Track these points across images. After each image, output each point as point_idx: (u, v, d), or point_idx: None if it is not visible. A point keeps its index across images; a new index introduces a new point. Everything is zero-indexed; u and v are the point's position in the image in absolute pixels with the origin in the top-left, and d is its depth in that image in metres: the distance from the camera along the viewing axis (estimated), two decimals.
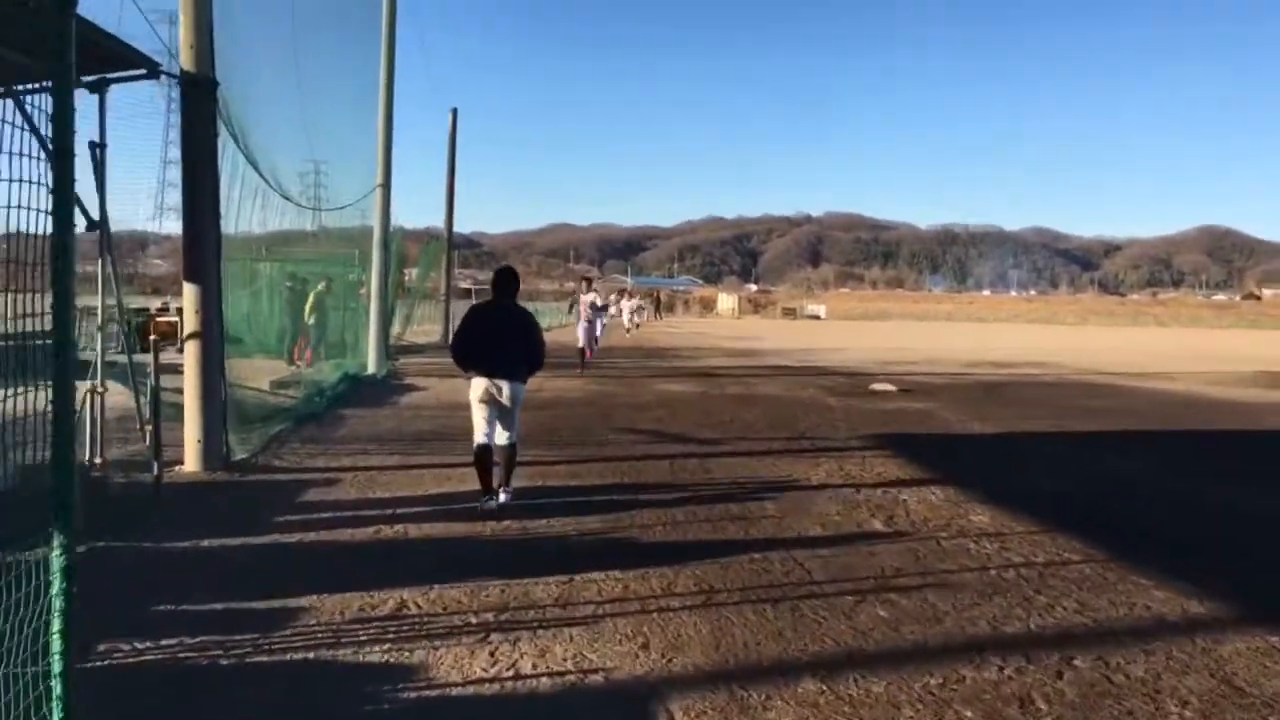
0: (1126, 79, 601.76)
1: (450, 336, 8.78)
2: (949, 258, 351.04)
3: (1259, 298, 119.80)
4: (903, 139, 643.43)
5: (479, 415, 7.40)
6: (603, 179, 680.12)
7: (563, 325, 50.67)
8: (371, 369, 17.02)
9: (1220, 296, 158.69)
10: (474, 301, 9.21)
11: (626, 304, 44.20)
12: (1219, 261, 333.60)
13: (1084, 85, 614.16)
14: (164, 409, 7.96)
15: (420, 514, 7.17)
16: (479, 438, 7.40)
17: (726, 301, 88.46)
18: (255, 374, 14.50)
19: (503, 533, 6.76)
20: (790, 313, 76.08)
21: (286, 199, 11.64)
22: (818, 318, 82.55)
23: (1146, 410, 15.15)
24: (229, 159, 9.46)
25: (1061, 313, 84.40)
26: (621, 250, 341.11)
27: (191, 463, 8.51)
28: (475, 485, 7.50)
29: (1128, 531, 7.06)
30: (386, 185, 17.57)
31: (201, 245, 8.52)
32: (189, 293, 8.50)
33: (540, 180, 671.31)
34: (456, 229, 28.48)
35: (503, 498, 7.34)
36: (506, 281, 7.67)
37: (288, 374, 16.12)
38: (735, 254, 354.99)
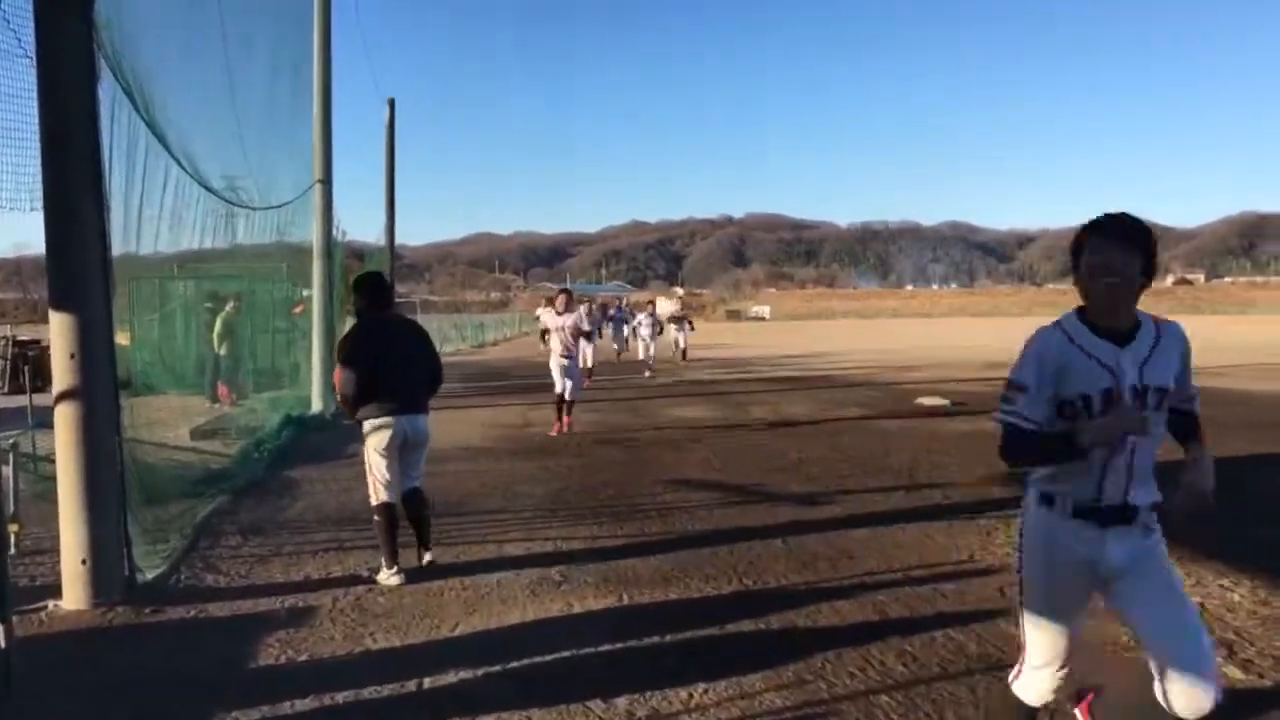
0: (1035, 73, 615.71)
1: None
2: (870, 254, 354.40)
3: (1190, 282, 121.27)
4: (821, 139, 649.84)
5: (384, 468, 5.87)
6: (524, 186, 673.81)
7: (508, 339, 47.46)
8: (317, 406, 13.75)
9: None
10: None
11: (668, 308, 29.59)
12: None
13: (995, 80, 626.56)
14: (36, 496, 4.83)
15: (468, 686, 4.14)
16: (384, 496, 5.89)
17: (666, 305, 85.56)
18: (170, 419, 11.26)
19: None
20: (735, 315, 73.47)
21: (209, 190, 8.37)
22: (763, 319, 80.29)
23: (1260, 418, 12.68)
24: (125, 129, 6.36)
25: (1004, 304, 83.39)
26: (546, 258, 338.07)
27: (73, 597, 5.35)
28: (552, 604, 4.76)
29: None
30: (327, 181, 14.31)
31: (73, 252, 5.35)
32: (57, 326, 5.32)
33: (461, 190, 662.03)
34: (374, 242, 24.99)
35: (427, 557, 6.03)
36: (382, 287, 6.24)
37: (212, 417, 12.84)
38: (660, 258, 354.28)
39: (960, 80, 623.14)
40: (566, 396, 12.41)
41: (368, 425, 5.88)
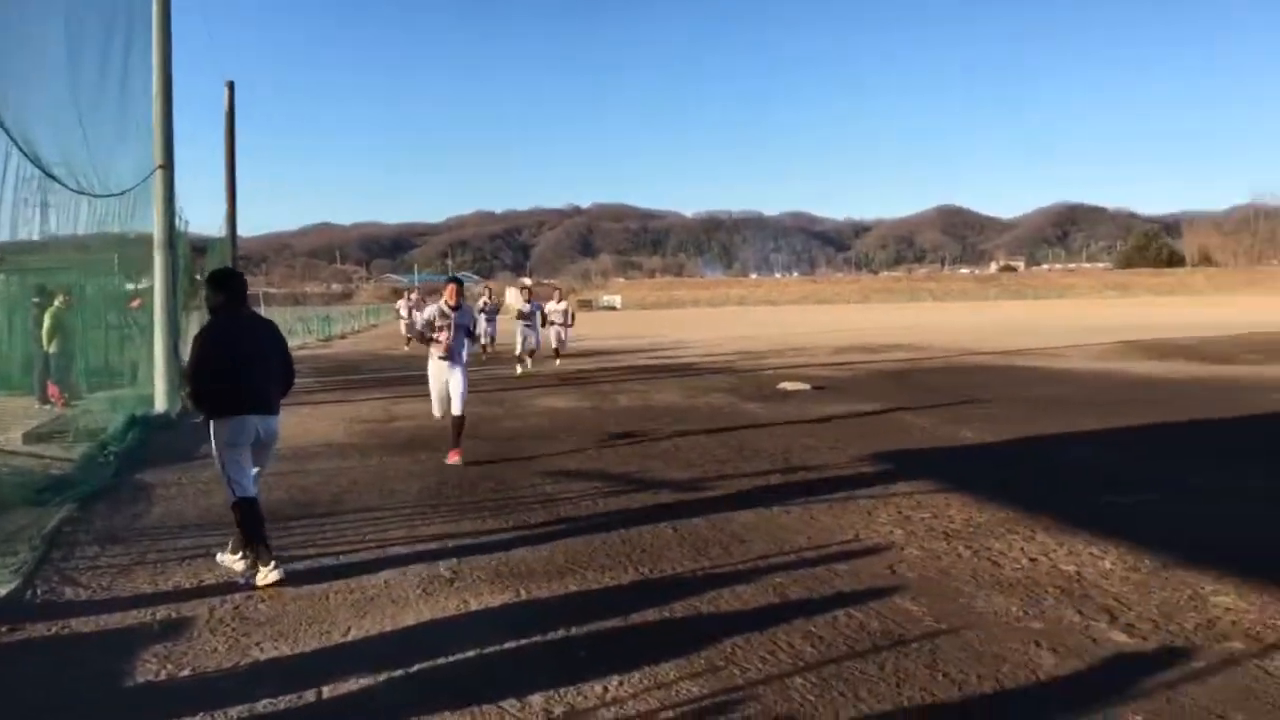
0: (869, 69, 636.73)
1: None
2: (715, 244, 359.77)
3: (1014, 269, 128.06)
4: (667, 130, 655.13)
5: (239, 464, 5.72)
6: (364, 176, 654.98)
7: (357, 332, 46.14)
8: (161, 405, 12.98)
9: (964, 270, 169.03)
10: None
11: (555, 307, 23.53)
12: (954, 238, 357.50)
13: (832, 75, 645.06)
14: None
15: (372, 693, 3.95)
16: (246, 492, 5.73)
17: (515, 297, 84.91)
18: None
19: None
20: (586, 304, 73.44)
21: (41, 169, 7.74)
22: (615, 308, 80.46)
23: (1121, 396, 13.49)
24: None
25: (845, 292, 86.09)
26: (389, 249, 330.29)
27: None
28: (446, 602, 4.77)
29: None
30: (169, 167, 13.50)
31: None
32: None
33: (297, 179, 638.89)
34: (208, 233, 23.74)
35: (240, 565, 5.75)
36: (239, 284, 6.02)
37: (46, 419, 12.00)
38: (507, 248, 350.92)
39: (798, 76, 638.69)
40: (455, 411, 9.38)
41: (218, 424, 5.70)
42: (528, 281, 31.40)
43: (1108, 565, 5.53)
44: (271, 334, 6.08)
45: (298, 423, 12.20)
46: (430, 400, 9.77)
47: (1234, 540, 5.97)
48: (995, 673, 4.09)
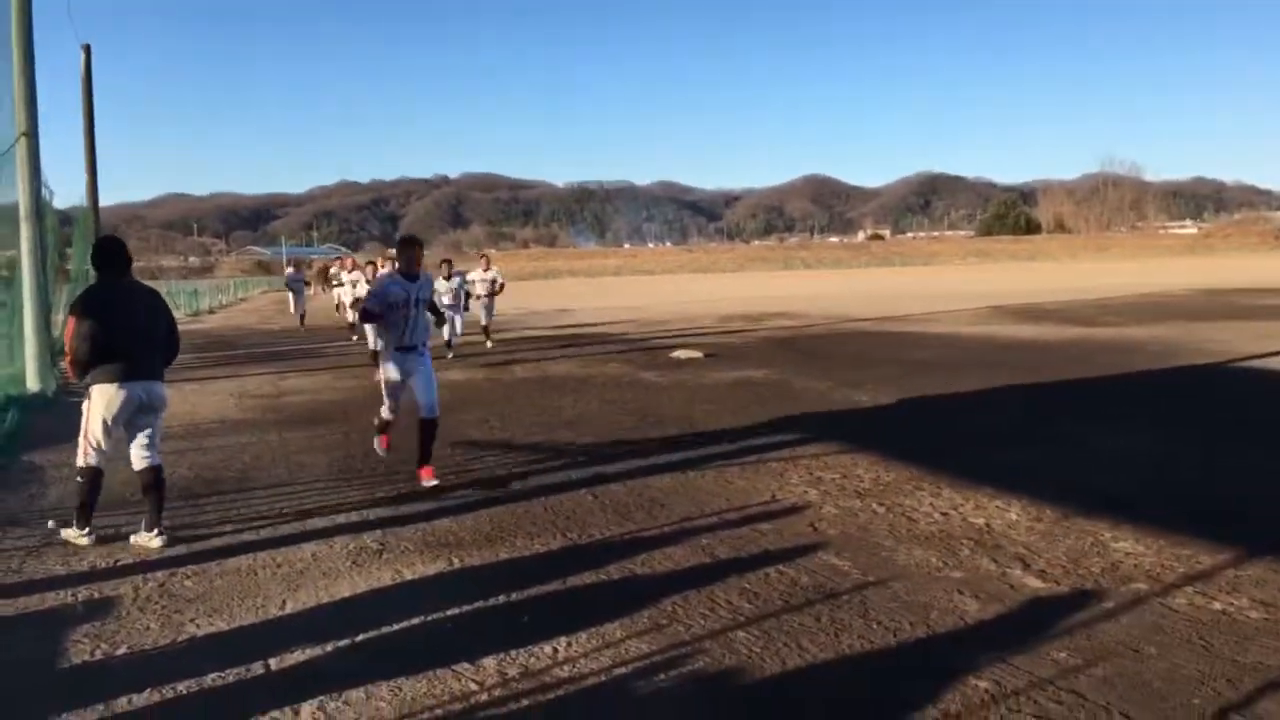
0: (736, 40, 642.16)
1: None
2: (587, 213, 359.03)
3: (882, 237, 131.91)
4: (535, 99, 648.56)
5: (100, 433, 5.66)
6: (220, 145, 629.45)
7: (225, 306, 44.58)
8: (34, 384, 12.38)
9: (834, 239, 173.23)
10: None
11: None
12: (822, 207, 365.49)
13: (698, 47, 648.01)
14: None
15: (321, 663, 3.94)
16: (94, 461, 5.73)
17: (386, 268, 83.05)
18: None
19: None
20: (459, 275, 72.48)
21: None
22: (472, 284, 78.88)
23: (1000, 358, 14.09)
24: None
25: (721, 261, 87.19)
26: (250, 220, 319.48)
27: None
28: (380, 573, 4.86)
29: None
30: (33, 134, 12.79)
31: None
32: None
33: (148, 147, 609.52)
34: (55, 204, 22.49)
35: (157, 542, 5.67)
36: (120, 253, 5.91)
37: None
38: (374, 219, 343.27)
39: (667, 47, 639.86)
40: (424, 414, 7.32)
41: (96, 390, 5.66)
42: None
43: (1013, 517, 5.86)
44: (155, 302, 6.05)
45: (184, 399, 11.83)
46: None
47: (1123, 490, 6.39)
48: (925, 619, 4.32)
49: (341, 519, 6.28)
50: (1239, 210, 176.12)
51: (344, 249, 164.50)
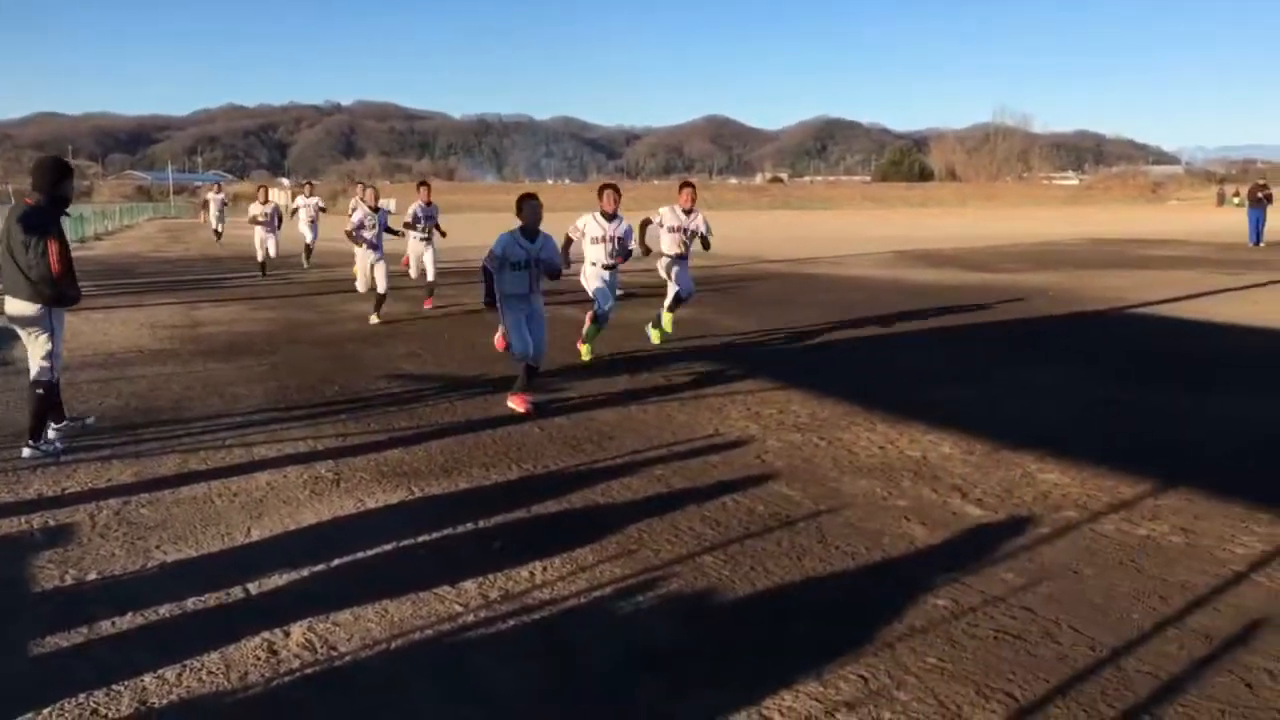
0: None
1: None
2: (485, 147, 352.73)
3: (782, 180, 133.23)
4: (432, 27, 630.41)
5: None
6: (96, 62, 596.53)
7: (112, 233, 42.73)
8: None
9: (733, 180, 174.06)
10: None
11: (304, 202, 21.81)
12: (722, 148, 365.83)
13: None
14: None
15: (301, 586, 4.01)
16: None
17: (280, 198, 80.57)
18: None
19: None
20: (323, 210, 70.61)
21: None
22: (391, 211, 77.16)
23: (911, 301, 14.48)
24: None
25: (624, 200, 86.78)
26: (127, 143, 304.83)
27: None
28: (341, 501, 4.76)
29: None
30: None
31: None
32: None
33: (13, 60, 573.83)
34: None
35: (25, 452, 5.95)
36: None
37: None
38: (261, 145, 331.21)
39: None
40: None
41: (61, 314, 6.16)
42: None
43: (947, 450, 6.19)
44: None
45: (94, 329, 11.50)
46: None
47: (1044, 426, 6.78)
48: (879, 544, 4.59)
49: (289, 449, 6.28)
50: (1117, 164, 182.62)
51: (229, 175, 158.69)
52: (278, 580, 4.18)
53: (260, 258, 19.14)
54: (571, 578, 4.20)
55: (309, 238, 21.43)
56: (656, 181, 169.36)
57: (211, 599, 3.99)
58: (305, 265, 20.99)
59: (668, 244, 9.86)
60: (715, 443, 6.42)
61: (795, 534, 4.74)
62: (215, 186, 32.33)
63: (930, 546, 4.56)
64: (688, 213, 10.02)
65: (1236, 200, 60.80)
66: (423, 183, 14.39)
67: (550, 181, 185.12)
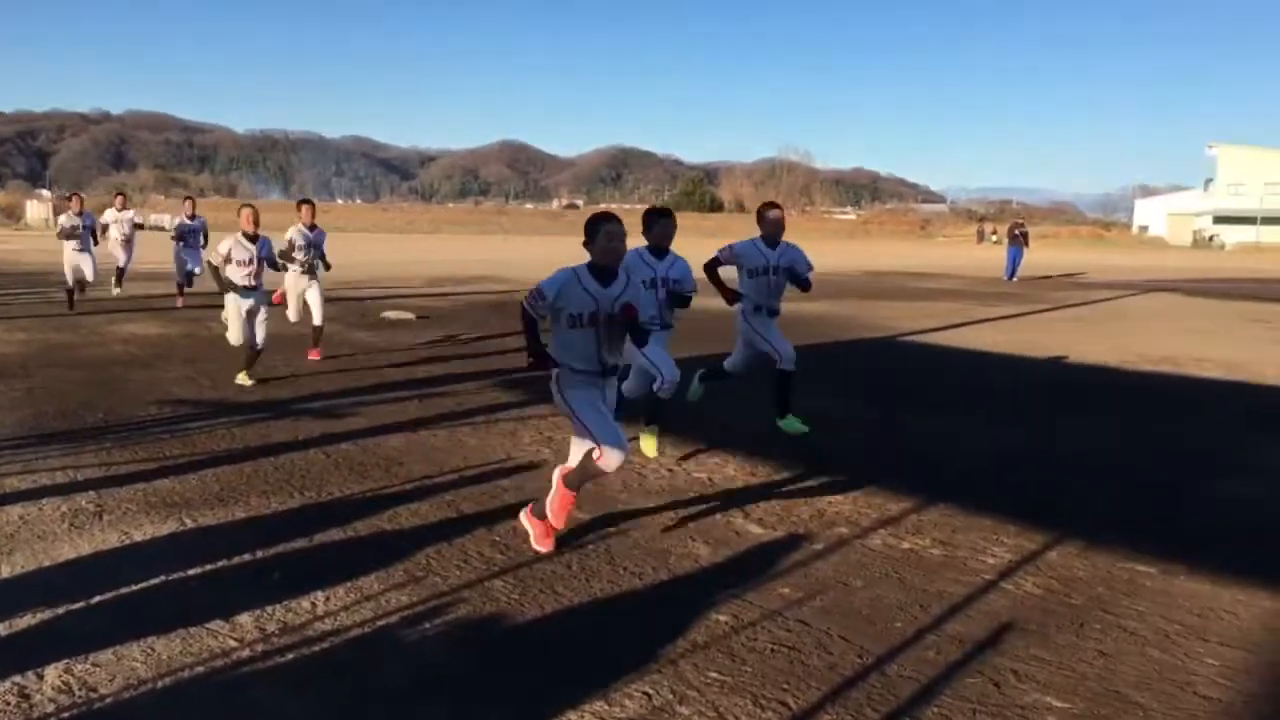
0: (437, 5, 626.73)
1: None
2: (270, 164, 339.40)
3: (577, 207, 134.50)
4: (213, 36, 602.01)
5: None
6: None
7: None
8: None
9: (530, 205, 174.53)
10: None
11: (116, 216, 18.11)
12: (518, 173, 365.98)
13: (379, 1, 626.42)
14: None
15: (59, 625, 3.76)
16: None
17: (40, 210, 74.72)
18: None
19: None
20: (139, 226, 66.42)
21: None
22: (164, 229, 73.12)
23: (691, 328, 14.74)
24: None
25: (417, 222, 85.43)
26: None
27: None
28: (104, 535, 4.37)
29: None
30: None
31: None
32: None
33: None
34: None
35: None
36: None
37: None
38: (19, 153, 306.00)
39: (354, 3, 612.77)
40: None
41: None
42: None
43: (731, 472, 6.42)
44: None
45: None
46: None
47: (822, 448, 7.09)
48: (666, 564, 4.71)
49: (45, 480, 5.86)
50: (891, 200, 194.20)
51: None
52: (30, 620, 3.88)
53: (70, 283, 15.30)
54: (356, 607, 4.10)
55: (121, 260, 17.90)
56: (452, 204, 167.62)
57: None
58: (115, 291, 17.36)
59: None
60: (506, 467, 6.42)
61: (584, 556, 4.79)
62: (119, 199, 20.77)
63: (714, 564, 4.72)
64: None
65: (995, 238, 65.99)
66: (304, 201, 11.20)
67: (340, 200, 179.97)
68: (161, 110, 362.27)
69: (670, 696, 3.35)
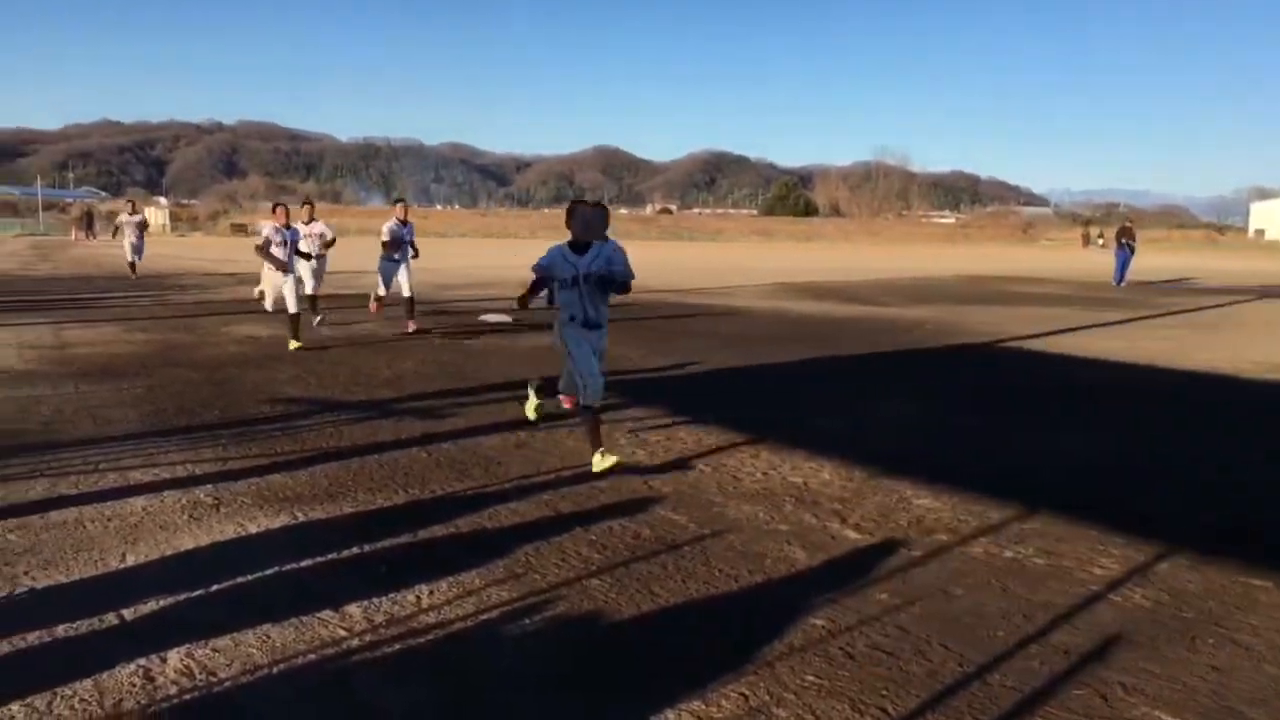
0: (521, 4, 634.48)
1: None
2: (372, 171, 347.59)
3: (671, 212, 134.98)
4: (320, 49, 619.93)
5: None
6: None
7: None
8: None
9: (624, 210, 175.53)
10: None
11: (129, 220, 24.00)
12: (612, 178, 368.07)
13: (489, 7, 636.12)
14: None
15: (178, 612, 3.93)
16: None
17: (158, 216, 77.93)
18: None
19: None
20: (241, 229, 68.80)
21: None
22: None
23: (795, 332, 14.80)
24: None
25: (514, 227, 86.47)
26: None
27: None
28: (222, 526, 4.43)
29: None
30: None
31: None
32: None
33: None
34: None
35: None
36: None
37: None
38: (138, 163, 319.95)
39: (458, 5, 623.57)
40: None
41: None
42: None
43: (826, 477, 6.38)
44: None
45: None
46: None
47: (921, 454, 7.04)
48: (762, 567, 4.72)
49: (166, 474, 6.12)
50: (991, 204, 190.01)
51: (102, 192, 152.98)
52: (154, 606, 4.08)
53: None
54: (458, 601, 4.21)
55: (130, 255, 23.61)
56: (548, 210, 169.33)
57: (84, 626, 3.88)
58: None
59: None
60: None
61: (680, 558, 4.83)
62: (130, 205, 25.27)
63: (810, 569, 4.71)
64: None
65: (1101, 242, 64.15)
66: (306, 201, 13.60)
67: (439, 206, 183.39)
68: (271, 120, 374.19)
69: (767, 698, 3.37)
